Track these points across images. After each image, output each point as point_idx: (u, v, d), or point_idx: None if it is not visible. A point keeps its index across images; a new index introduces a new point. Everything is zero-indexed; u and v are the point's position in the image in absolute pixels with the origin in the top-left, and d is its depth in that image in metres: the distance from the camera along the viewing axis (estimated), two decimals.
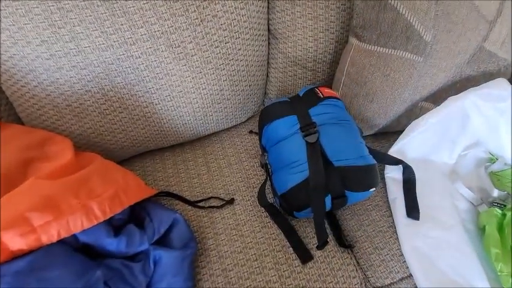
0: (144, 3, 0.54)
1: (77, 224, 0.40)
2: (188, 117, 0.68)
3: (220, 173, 0.70)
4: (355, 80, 0.67)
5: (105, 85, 0.58)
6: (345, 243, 0.58)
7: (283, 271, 0.55)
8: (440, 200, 0.63)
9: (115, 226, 0.47)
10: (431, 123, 0.64)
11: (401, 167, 0.64)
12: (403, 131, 0.67)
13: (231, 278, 0.54)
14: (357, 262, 0.58)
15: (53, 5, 0.50)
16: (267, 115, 0.63)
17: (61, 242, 0.40)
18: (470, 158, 0.69)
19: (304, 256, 0.56)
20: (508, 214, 0.56)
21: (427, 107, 0.68)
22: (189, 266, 0.51)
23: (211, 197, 0.65)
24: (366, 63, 0.64)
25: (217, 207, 0.63)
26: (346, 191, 0.54)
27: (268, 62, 0.77)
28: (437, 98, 0.67)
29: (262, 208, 0.63)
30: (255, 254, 0.57)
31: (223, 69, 0.66)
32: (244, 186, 0.67)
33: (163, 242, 0.52)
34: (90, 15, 0.52)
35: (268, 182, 0.62)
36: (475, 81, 0.67)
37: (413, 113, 0.69)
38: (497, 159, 0.67)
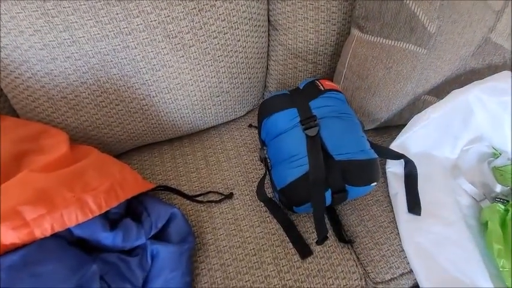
0: None
1: (71, 218, 0.40)
2: (186, 110, 0.67)
3: (219, 167, 0.69)
4: (357, 72, 0.65)
5: (101, 77, 0.57)
6: (345, 239, 0.58)
7: (282, 266, 0.54)
8: (442, 196, 0.63)
9: (111, 220, 0.47)
10: (434, 118, 0.63)
11: (403, 162, 0.64)
12: (405, 125, 0.66)
13: (229, 273, 0.54)
14: (357, 257, 0.58)
15: None
16: (266, 108, 0.62)
17: (55, 236, 0.39)
18: (473, 153, 0.68)
19: (304, 251, 0.55)
20: (511, 210, 0.55)
21: (430, 101, 0.67)
22: (187, 260, 0.51)
23: (210, 192, 0.64)
24: (368, 55, 0.62)
25: (215, 201, 0.62)
26: (346, 185, 0.53)
27: (268, 54, 0.75)
28: (440, 91, 0.66)
29: (261, 203, 0.62)
30: (253, 248, 0.56)
31: (222, 61, 0.64)
32: (243, 180, 0.66)
33: (161, 236, 0.51)
34: (85, 4, 0.51)
35: (268, 177, 0.61)
36: (479, 74, 0.65)
37: (415, 106, 0.67)
38: (500, 154, 0.66)
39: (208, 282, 0.53)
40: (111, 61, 0.56)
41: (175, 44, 0.58)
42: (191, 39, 0.59)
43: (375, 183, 0.55)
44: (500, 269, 0.52)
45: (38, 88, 0.56)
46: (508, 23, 0.61)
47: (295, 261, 0.55)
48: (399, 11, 0.56)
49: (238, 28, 0.62)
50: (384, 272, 0.56)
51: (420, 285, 0.53)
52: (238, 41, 0.64)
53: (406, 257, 0.56)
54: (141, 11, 0.54)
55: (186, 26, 0.57)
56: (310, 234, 0.58)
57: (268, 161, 0.59)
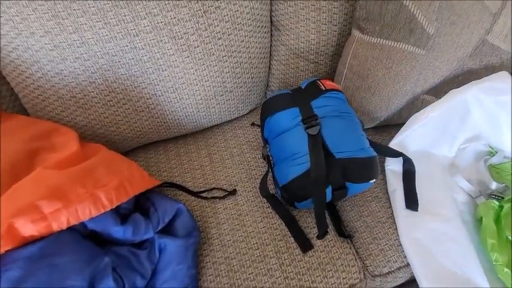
0: None
1: (85, 212, 0.42)
2: (191, 109, 0.69)
3: (223, 165, 0.70)
4: (357, 72, 0.67)
5: (109, 76, 0.59)
6: (344, 233, 0.60)
7: (284, 259, 0.57)
8: (440, 193, 0.64)
9: (122, 215, 0.49)
10: (432, 117, 0.65)
11: (402, 160, 0.65)
12: (404, 124, 0.67)
13: (233, 266, 0.56)
14: (356, 251, 0.60)
15: None
16: (269, 107, 0.63)
17: (70, 229, 0.41)
18: (470, 151, 0.70)
19: (305, 245, 0.57)
20: (505, 206, 0.57)
21: (428, 100, 0.68)
22: (193, 254, 0.53)
23: (214, 188, 0.66)
24: (368, 55, 0.64)
25: (219, 197, 0.64)
26: (346, 182, 0.55)
27: (270, 54, 0.77)
28: (439, 91, 0.67)
29: (263, 199, 0.64)
30: (256, 243, 0.58)
31: (226, 61, 0.66)
32: (246, 177, 0.68)
33: (167, 231, 0.53)
34: (93, 6, 0.52)
35: (270, 174, 0.63)
36: (477, 74, 0.67)
37: (414, 106, 0.69)
38: (496, 152, 0.68)
39: (213, 274, 0.55)
40: (119, 61, 0.58)
41: (181, 45, 0.60)
42: (196, 40, 0.60)
43: (374, 180, 0.57)
44: (494, 263, 0.54)
45: (48, 88, 0.57)
46: (505, 25, 0.62)
47: (296, 255, 0.57)
48: (399, 12, 0.58)
49: (242, 29, 0.64)
50: (381, 266, 0.58)
51: (417, 278, 0.55)
52: (242, 41, 0.65)
53: (403, 251, 0.58)
54: (148, 13, 0.55)
55: (192, 27, 0.59)
56: (311, 229, 0.60)
57: (271, 158, 0.61)
